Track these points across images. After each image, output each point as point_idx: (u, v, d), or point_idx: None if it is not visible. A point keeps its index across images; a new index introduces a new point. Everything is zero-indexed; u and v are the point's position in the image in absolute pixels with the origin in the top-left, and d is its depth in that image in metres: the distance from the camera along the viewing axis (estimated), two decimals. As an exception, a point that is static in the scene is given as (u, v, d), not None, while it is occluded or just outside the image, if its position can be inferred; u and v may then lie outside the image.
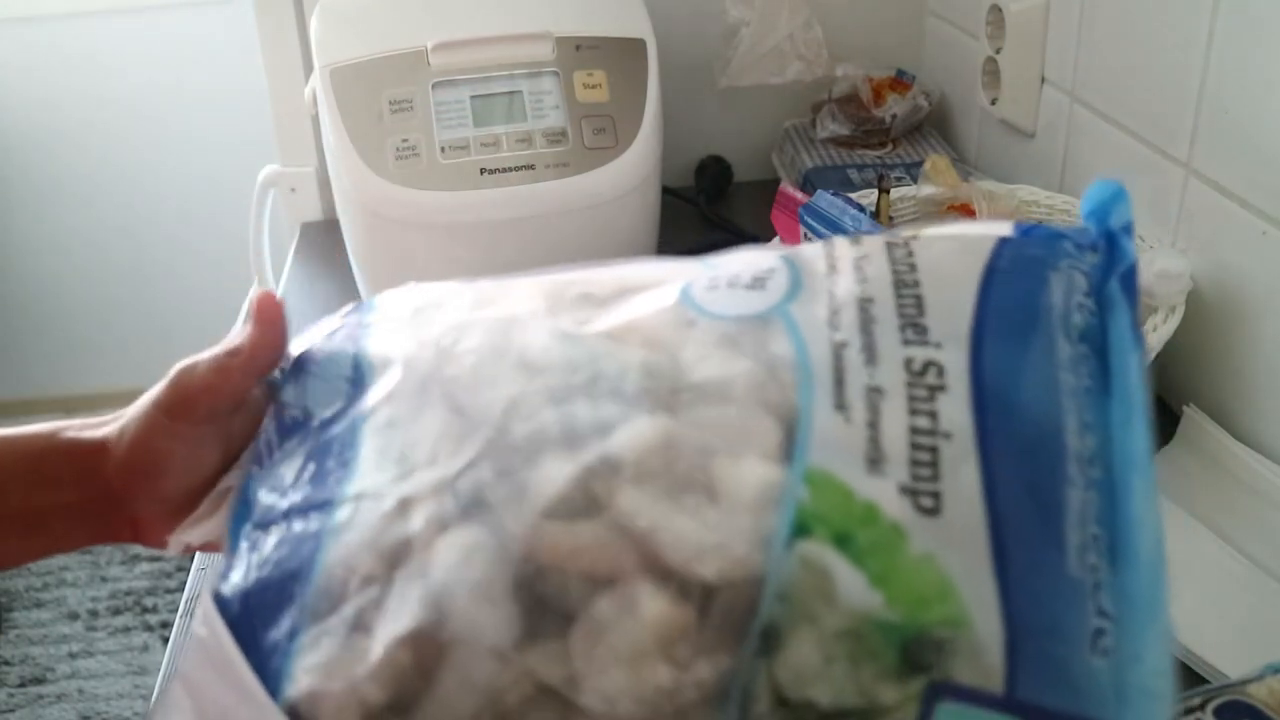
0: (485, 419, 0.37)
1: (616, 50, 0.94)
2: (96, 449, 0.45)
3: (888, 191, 0.93)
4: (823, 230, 0.81)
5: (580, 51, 0.93)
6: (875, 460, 0.33)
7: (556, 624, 0.33)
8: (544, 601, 0.33)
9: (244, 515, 0.40)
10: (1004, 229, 0.40)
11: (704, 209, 1.21)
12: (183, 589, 0.75)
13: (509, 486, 0.35)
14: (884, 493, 0.32)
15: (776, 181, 1.04)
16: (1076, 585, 0.32)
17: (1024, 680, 0.30)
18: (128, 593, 2.08)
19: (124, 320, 2.45)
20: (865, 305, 0.37)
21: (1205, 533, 0.71)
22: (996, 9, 1.04)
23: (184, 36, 2.20)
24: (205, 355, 0.45)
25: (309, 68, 1.00)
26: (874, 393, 0.34)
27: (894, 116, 1.17)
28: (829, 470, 0.33)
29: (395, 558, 0.35)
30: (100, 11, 2.20)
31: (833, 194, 0.83)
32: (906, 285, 0.38)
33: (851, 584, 0.31)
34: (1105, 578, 0.33)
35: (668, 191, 1.05)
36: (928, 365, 0.35)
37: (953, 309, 0.36)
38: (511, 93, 0.92)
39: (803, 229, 0.83)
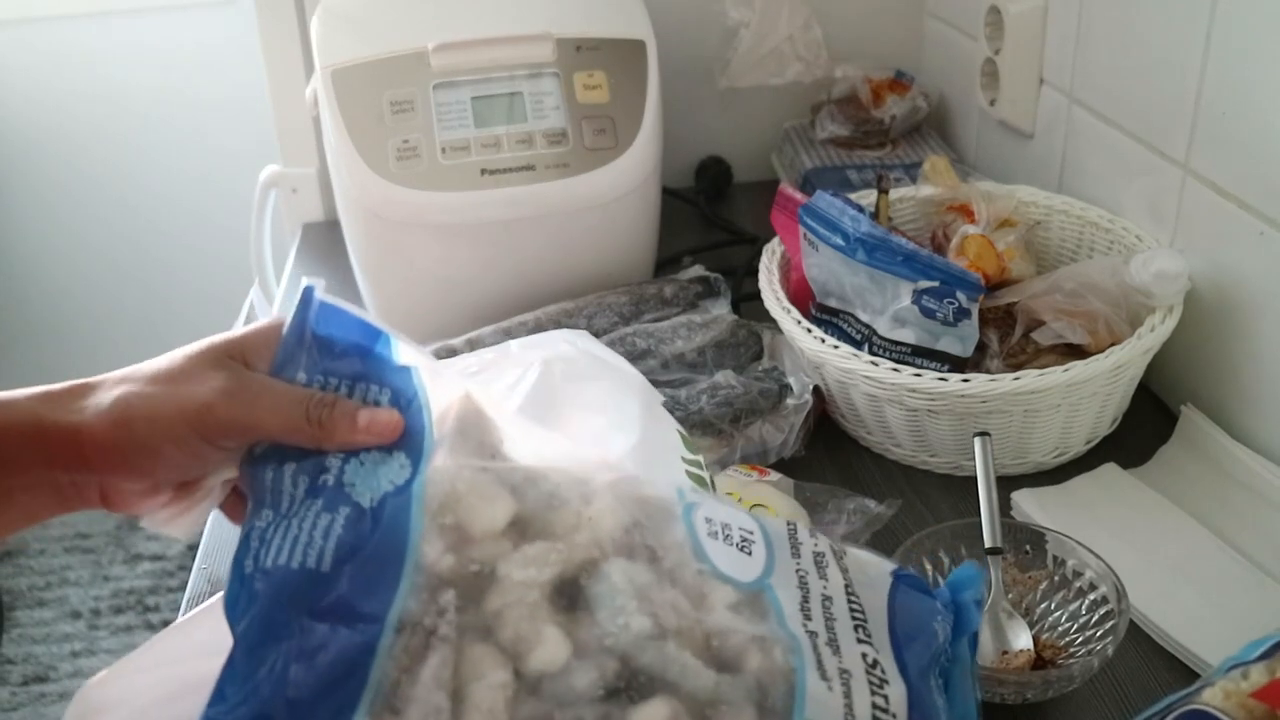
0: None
1: (617, 51, 0.94)
2: (70, 433, 0.44)
3: (887, 192, 0.93)
4: (822, 230, 0.81)
5: (580, 52, 0.93)
6: (848, 711, 0.42)
7: None
8: None
9: (247, 554, 0.42)
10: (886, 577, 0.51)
11: (704, 209, 1.22)
12: (184, 588, 0.75)
13: None
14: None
15: (776, 182, 1.04)
16: None
17: None
18: (129, 592, 2.08)
19: (124, 320, 2.45)
20: (826, 604, 0.47)
21: (1202, 531, 0.72)
22: (995, 10, 1.04)
23: (185, 38, 2.20)
24: (267, 396, 0.44)
25: (310, 69, 1.01)
26: (845, 674, 0.44)
27: (893, 117, 1.17)
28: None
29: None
30: (101, 13, 2.20)
31: (832, 194, 0.83)
32: (854, 594, 0.48)
33: None
34: None
35: (668, 192, 1.05)
36: (875, 662, 0.46)
37: (878, 623, 0.48)
38: (512, 94, 0.92)
39: (802, 229, 0.83)
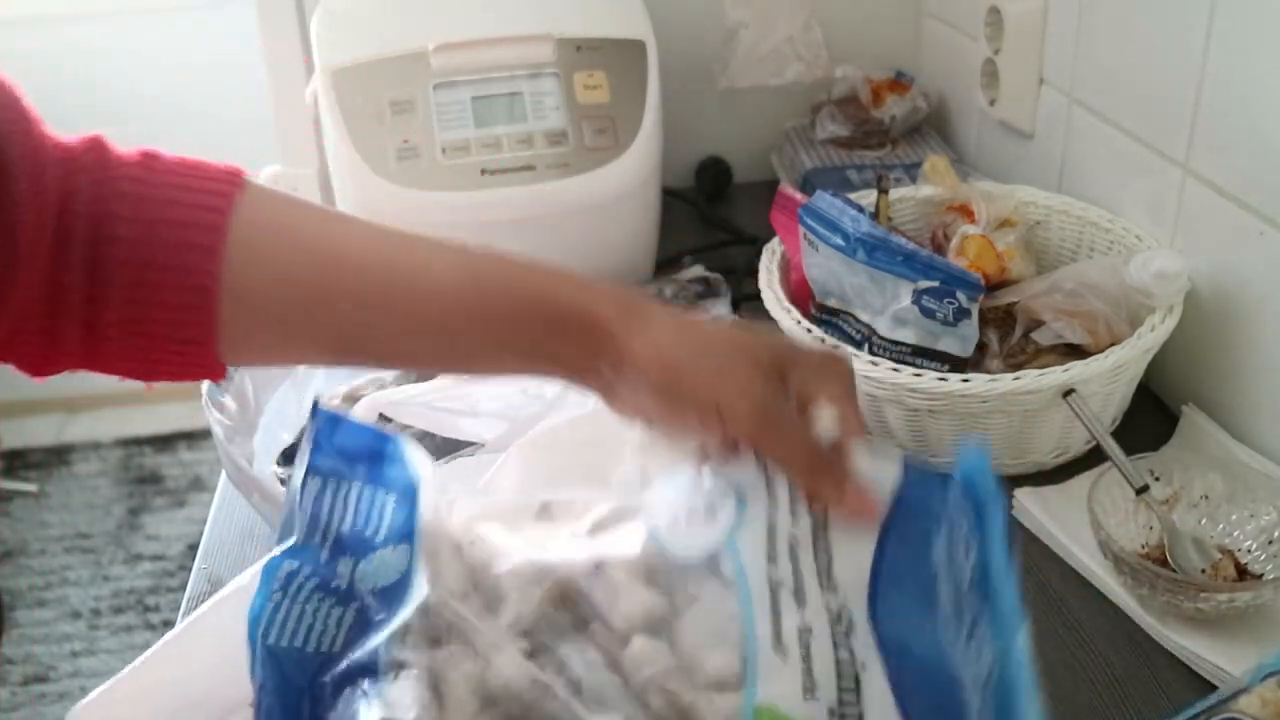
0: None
1: (617, 51, 0.94)
2: (625, 352, 0.50)
3: (887, 192, 0.93)
4: (822, 230, 0.81)
5: (581, 53, 0.94)
6: (809, 688, 0.41)
7: None
8: None
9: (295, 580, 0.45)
10: (894, 465, 0.49)
11: (704, 209, 1.22)
12: (184, 588, 0.75)
13: None
14: (818, 716, 0.41)
15: (776, 182, 1.05)
16: None
17: None
18: (130, 591, 2.08)
19: (125, 320, 2.45)
20: (792, 545, 0.46)
21: (1202, 531, 0.72)
22: (995, 10, 1.04)
23: (186, 38, 2.20)
24: (789, 433, 0.49)
25: (310, 69, 1.01)
26: (805, 632, 0.43)
27: (893, 117, 1.17)
28: (773, 705, 0.41)
29: None
30: (102, 14, 2.20)
31: (832, 195, 0.83)
32: (822, 534, 0.47)
33: None
34: None
35: (668, 192, 1.05)
36: (840, 611, 0.44)
37: (855, 562, 0.46)
38: (512, 94, 0.92)
39: (802, 229, 0.83)
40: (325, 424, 0.49)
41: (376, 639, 0.43)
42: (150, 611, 2.05)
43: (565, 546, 0.48)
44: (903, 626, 0.44)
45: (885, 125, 1.17)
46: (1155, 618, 0.65)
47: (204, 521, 0.81)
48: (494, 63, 0.92)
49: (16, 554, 2.19)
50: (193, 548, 2.10)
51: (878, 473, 0.48)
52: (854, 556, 0.46)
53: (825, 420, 0.50)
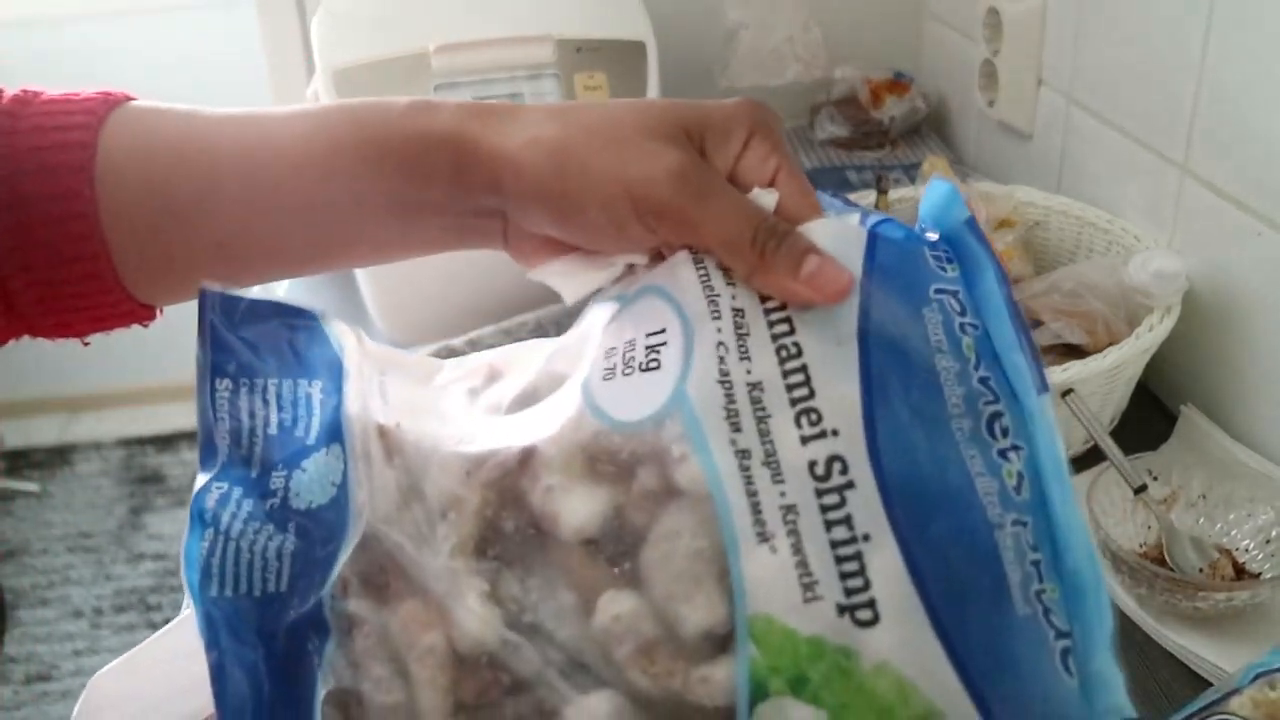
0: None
1: (617, 52, 0.94)
2: (492, 156, 0.42)
3: (886, 193, 0.93)
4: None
5: (581, 54, 0.94)
6: (809, 585, 0.32)
7: None
8: None
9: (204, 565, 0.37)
10: (856, 241, 0.39)
11: (704, 209, 1.22)
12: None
13: None
14: (824, 620, 0.32)
15: (776, 182, 1.04)
16: (1029, 623, 0.33)
17: None
18: (131, 591, 2.09)
19: (127, 320, 2.45)
20: (756, 393, 0.35)
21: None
22: (994, 11, 1.04)
23: (186, 39, 2.21)
24: (721, 199, 0.39)
25: (311, 70, 1.01)
26: (789, 511, 0.33)
27: (892, 118, 1.17)
28: (769, 614, 0.32)
29: None
30: (102, 14, 2.20)
31: (831, 195, 0.83)
32: (791, 355, 0.36)
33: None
34: (1052, 596, 0.33)
35: (668, 192, 1.05)
36: (830, 463, 0.34)
37: (840, 383, 0.35)
38: (513, 95, 0.92)
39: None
40: (221, 310, 0.41)
41: (320, 586, 0.37)
42: (152, 610, 2.05)
43: (489, 426, 0.40)
44: (911, 454, 0.34)
45: (884, 126, 1.18)
46: (1153, 617, 0.65)
47: (206, 521, 0.81)
48: (494, 63, 0.92)
49: (19, 553, 2.19)
50: (194, 547, 2.10)
51: (839, 242, 0.38)
52: (835, 369, 0.36)
53: (765, 200, 0.40)
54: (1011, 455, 0.35)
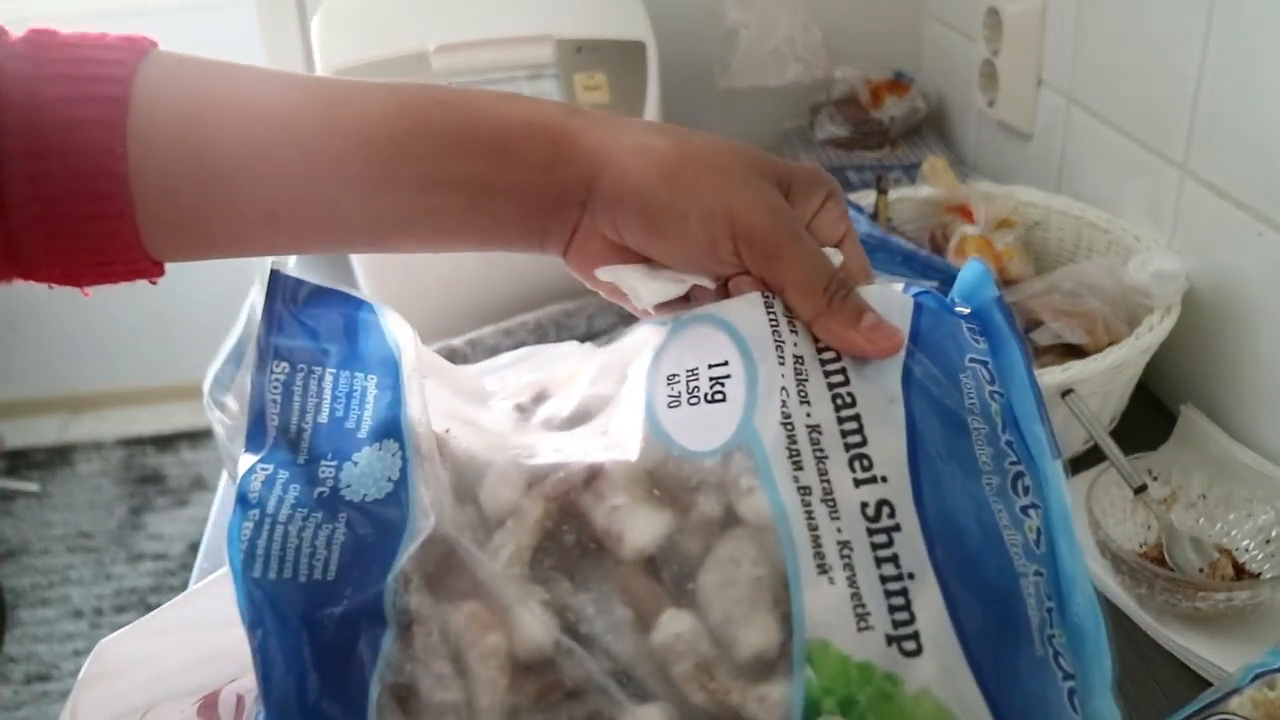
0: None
1: (617, 52, 0.94)
2: (595, 151, 0.42)
3: (886, 193, 0.93)
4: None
5: (581, 54, 0.94)
6: (862, 616, 0.35)
7: None
8: None
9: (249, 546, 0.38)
10: (904, 307, 0.42)
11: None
12: (186, 587, 0.75)
13: None
14: (874, 648, 0.35)
15: (776, 182, 1.04)
16: (1044, 664, 0.36)
17: None
18: (132, 591, 2.09)
19: (124, 320, 2.45)
20: (815, 435, 0.38)
21: (1200, 531, 0.72)
22: (994, 11, 1.04)
23: (186, 39, 2.20)
24: (805, 242, 0.42)
25: (311, 70, 1.01)
26: (845, 547, 0.36)
27: (892, 118, 1.17)
28: (826, 639, 0.35)
29: None
30: (102, 15, 2.20)
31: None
32: (845, 404, 0.39)
33: None
34: (1061, 641, 0.37)
35: (668, 192, 1.05)
36: (880, 506, 0.37)
37: (887, 433, 0.38)
38: (512, 95, 0.92)
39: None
40: (288, 293, 0.41)
41: (378, 580, 0.37)
42: (152, 610, 2.05)
43: (547, 443, 0.41)
44: (949, 503, 0.37)
45: (884, 126, 1.18)
46: (1153, 617, 0.65)
47: (205, 521, 0.82)
48: (494, 63, 0.92)
49: (19, 553, 2.19)
50: (194, 547, 2.10)
51: (888, 307, 0.42)
52: (883, 420, 0.39)
53: (833, 258, 0.43)
54: (1031, 512, 0.38)
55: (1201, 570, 0.66)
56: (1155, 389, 0.87)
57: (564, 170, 0.43)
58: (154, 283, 0.46)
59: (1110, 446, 0.70)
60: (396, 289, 0.97)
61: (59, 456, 2.46)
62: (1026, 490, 0.38)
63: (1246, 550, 0.67)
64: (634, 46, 0.95)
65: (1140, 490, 0.69)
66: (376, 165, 0.43)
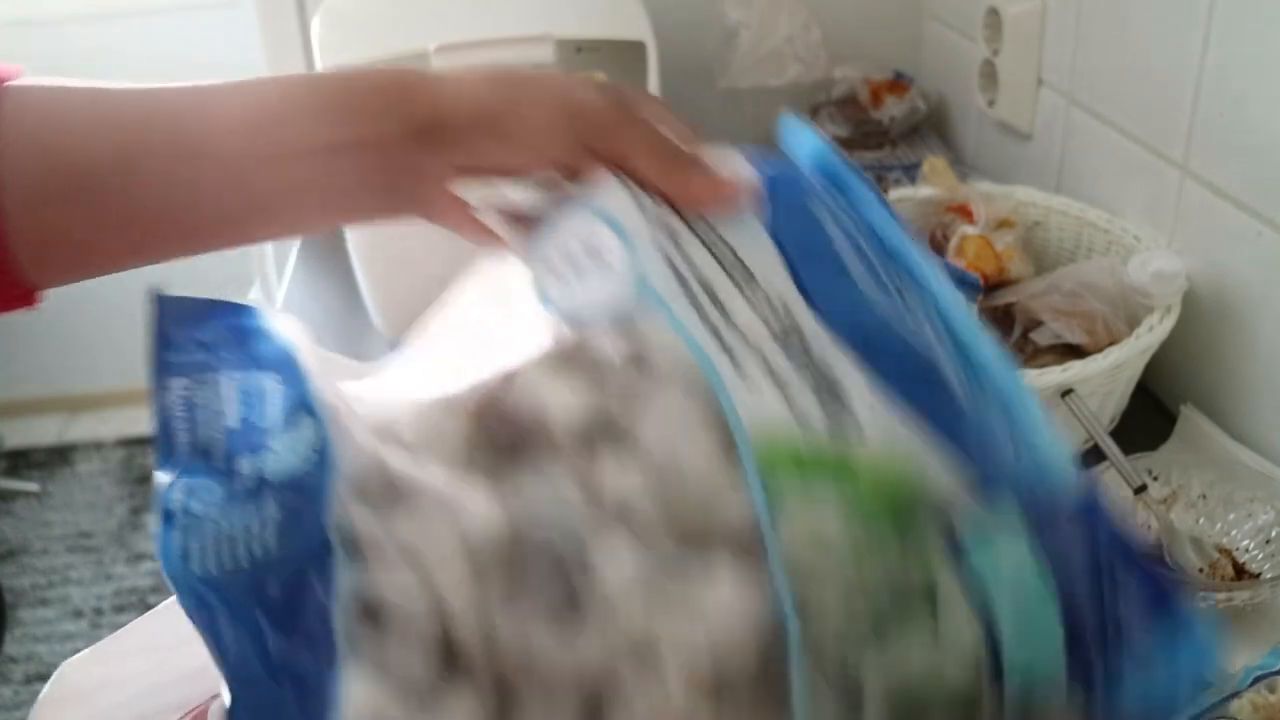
0: None
1: (616, 52, 0.94)
2: (434, 85, 0.45)
3: (886, 193, 0.93)
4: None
5: (581, 54, 0.94)
6: (799, 416, 0.37)
7: None
8: None
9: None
10: (746, 167, 0.45)
11: (704, 210, 1.22)
12: (187, 587, 0.75)
13: None
14: (818, 439, 0.37)
15: (776, 182, 1.04)
16: (975, 416, 0.40)
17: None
18: (131, 590, 2.09)
19: (124, 320, 2.45)
20: (701, 276, 0.41)
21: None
22: (994, 11, 1.04)
23: (186, 39, 2.21)
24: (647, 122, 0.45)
25: (311, 70, 1.01)
26: (762, 360, 0.38)
27: (892, 118, 1.17)
28: (770, 441, 0.37)
29: None
30: (102, 15, 2.20)
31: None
32: (722, 249, 0.42)
33: (834, 508, 0.36)
34: (984, 403, 0.40)
35: (668, 192, 1.05)
36: (782, 318, 0.40)
37: (767, 258, 0.42)
38: (513, 95, 0.92)
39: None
40: (172, 312, 0.42)
41: (318, 530, 0.37)
42: (152, 610, 2.05)
43: (464, 375, 0.42)
44: (840, 302, 0.41)
45: (884, 126, 1.18)
46: (1153, 617, 0.65)
47: (206, 521, 0.81)
48: (494, 64, 0.92)
49: (19, 553, 2.19)
50: (194, 547, 2.10)
51: (730, 165, 0.45)
52: (756, 248, 0.42)
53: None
54: (908, 295, 0.42)
55: (1201, 570, 0.66)
56: (1155, 389, 0.87)
57: (411, 109, 0.45)
58: (30, 308, 0.46)
59: (1110, 446, 0.70)
60: (395, 287, 0.97)
61: (59, 456, 2.46)
62: (911, 290, 0.42)
63: (1246, 550, 0.67)
64: (634, 46, 0.95)
65: (1140, 490, 0.69)
66: (232, 150, 0.45)
